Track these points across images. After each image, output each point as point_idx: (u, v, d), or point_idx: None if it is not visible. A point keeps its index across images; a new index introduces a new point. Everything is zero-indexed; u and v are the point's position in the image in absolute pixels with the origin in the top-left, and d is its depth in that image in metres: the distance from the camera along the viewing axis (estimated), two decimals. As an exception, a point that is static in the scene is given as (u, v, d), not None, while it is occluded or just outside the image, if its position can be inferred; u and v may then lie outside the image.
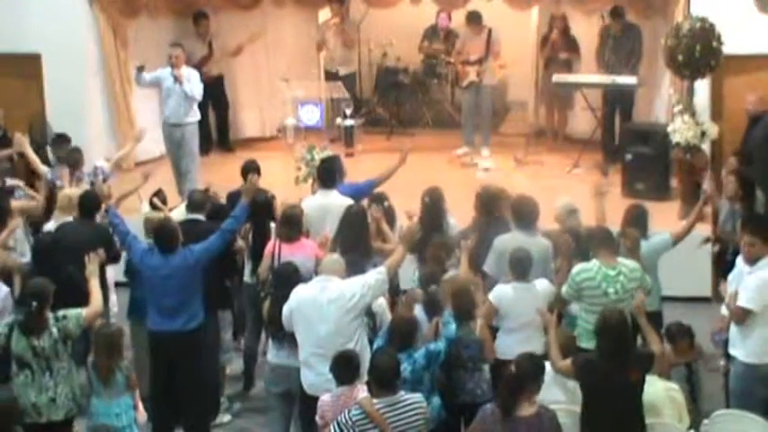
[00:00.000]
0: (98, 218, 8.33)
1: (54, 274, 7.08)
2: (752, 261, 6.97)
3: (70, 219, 8.36)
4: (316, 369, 6.65)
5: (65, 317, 6.59)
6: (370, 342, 6.79)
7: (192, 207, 8.23)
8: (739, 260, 7.25)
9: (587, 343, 6.83)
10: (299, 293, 6.79)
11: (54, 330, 6.53)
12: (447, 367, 6.62)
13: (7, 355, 6.55)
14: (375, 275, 6.75)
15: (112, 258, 8.10)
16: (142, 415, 6.97)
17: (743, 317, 6.83)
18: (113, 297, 8.90)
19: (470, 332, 6.73)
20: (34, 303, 6.50)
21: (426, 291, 6.93)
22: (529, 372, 5.79)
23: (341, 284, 6.73)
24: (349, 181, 8.90)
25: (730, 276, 7.37)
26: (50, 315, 6.57)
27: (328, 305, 6.64)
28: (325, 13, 14.05)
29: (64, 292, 6.87)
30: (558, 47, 12.71)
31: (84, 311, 6.68)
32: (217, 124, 13.41)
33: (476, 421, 5.90)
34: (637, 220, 7.90)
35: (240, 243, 8.22)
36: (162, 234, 7.38)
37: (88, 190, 8.68)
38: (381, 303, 7.06)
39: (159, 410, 7.36)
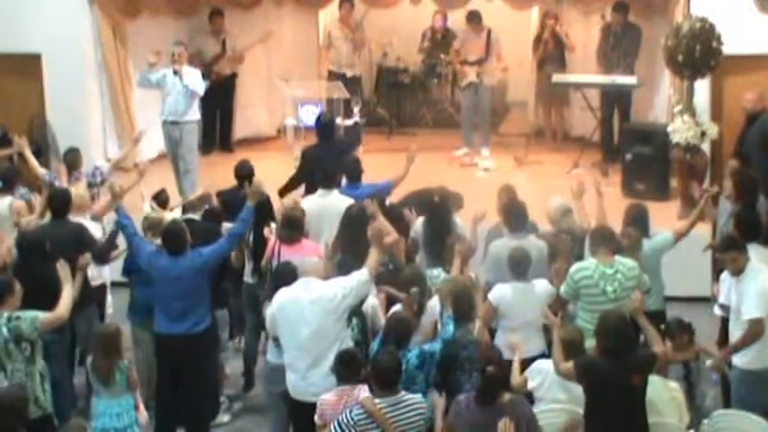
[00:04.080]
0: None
1: (36, 272, 7.07)
2: (738, 272, 6.98)
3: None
4: (299, 372, 6.65)
5: (18, 317, 6.48)
6: (364, 343, 6.78)
7: (185, 208, 8.31)
8: None
9: (586, 342, 6.83)
10: (282, 295, 6.77)
11: (4, 330, 6.44)
12: (445, 368, 6.61)
13: None
14: (357, 277, 6.74)
15: (97, 257, 8.04)
16: (143, 415, 6.94)
17: (760, 326, 6.77)
18: (108, 297, 8.90)
19: (468, 333, 6.72)
20: None
21: (409, 293, 6.91)
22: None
23: (322, 286, 6.72)
24: (367, 182, 8.94)
25: (722, 276, 7.39)
26: (5, 314, 6.47)
27: (310, 306, 6.63)
28: (325, 14, 14.05)
29: (39, 293, 6.81)
30: (550, 46, 12.75)
31: (41, 315, 6.55)
32: (220, 124, 13.45)
33: (453, 415, 5.93)
34: (637, 220, 7.90)
35: None
36: (171, 236, 7.33)
37: (56, 189, 8.64)
38: (373, 305, 7.04)
39: (163, 412, 7.36)
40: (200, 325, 7.32)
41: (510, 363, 6.54)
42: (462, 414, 5.88)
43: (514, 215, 7.87)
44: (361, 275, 6.74)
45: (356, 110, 12.71)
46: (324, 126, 10.05)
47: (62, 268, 6.89)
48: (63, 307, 6.70)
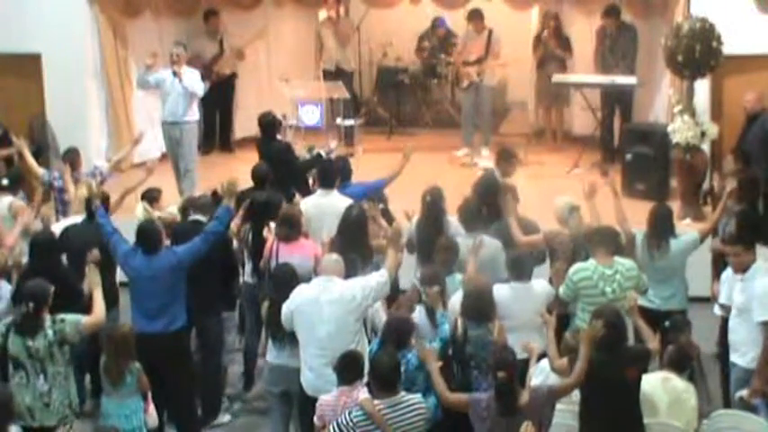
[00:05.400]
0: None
1: (49, 273, 7.03)
2: (740, 270, 7.02)
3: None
4: (317, 371, 6.65)
5: (62, 320, 6.52)
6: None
7: (195, 208, 8.27)
8: None
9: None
10: (301, 294, 6.78)
11: (50, 333, 6.47)
12: (462, 367, 6.59)
13: (4, 355, 6.52)
14: (377, 278, 6.74)
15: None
16: (153, 418, 6.93)
17: None
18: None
19: (488, 333, 6.68)
20: (31, 304, 6.46)
21: (427, 291, 6.92)
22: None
23: (342, 285, 6.73)
24: (358, 181, 8.92)
25: (723, 276, 7.40)
26: (48, 317, 6.51)
27: (329, 306, 6.63)
28: (325, 13, 14.05)
29: (56, 292, 6.77)
30: (550, 46, 12.75)
31: (83, 319, 6.60)
32: (220, 124, 13.45)
33: (471, 413, 5.89)
34: (662, 220, 7.85)
35: (235, 244, 8.21)
36: (144, 235, 7.35)
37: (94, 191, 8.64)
38: (375, 306, 7.03)
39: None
40: (174, 323, 7.34)
41: (523, 361, 6.51)
42: (482, 414, 5.85)
43: (469, 214, 7.91)
44: (381, 277, 6.74)
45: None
46: (265, 125, 10.03)
47: (92, 272, 6.92)
48: (100, 310, 6.72)
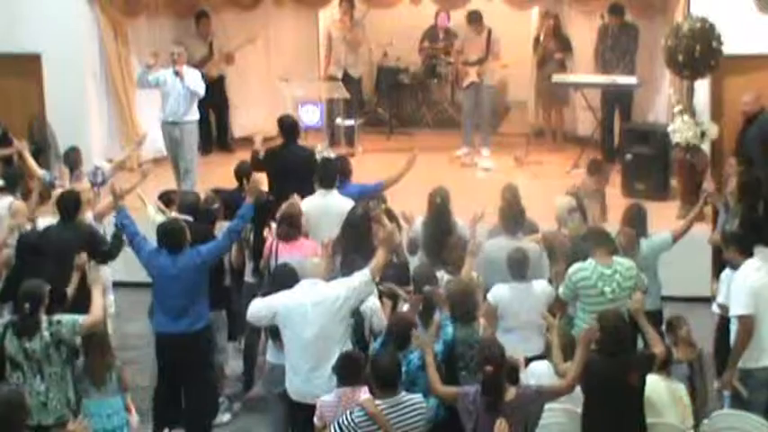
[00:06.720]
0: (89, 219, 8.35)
1: (35, 274, 7.01)
2: (730, 265, 7.10)
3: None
4: (302, 374, 6.65)
5: (59, 322, 6.52)
6: (357, 344, 6.78)
7: (182, 208, 8.26)
8: None
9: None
10: (285, 298, 6.75)
11: (46, 334, 6.47)
12: (451, 368, 6.59)
13: (2, 355, 6.52)
14: (359, 278, 6.71)
15: (101, 258, 8.04)
16: (134, 417, 6.94)
17: (749, 323, 6.78)
18: (110, 297, 8.89)
19: (474, 333, 6.69)
20: (27, 305, 6.47)
21: (420, 291, 6.91)
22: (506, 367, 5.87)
23: (325, 287, 6.72)
24: (357, 182, 8.91)
25: (722, 275, 7.40)
26: (44, 318, 6.52)
27: (314, 308, 6.62)
28: (325, 14, 14.03)
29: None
30: (549, 46, 12.75)
31: (80, 319, 6.60)
32: (217, 124, 13.43)
33: (459, 406, 5.89)
34: (635, 220, 7.89)
35: None
36: (170, 234, 7.36)
37: (66, 190, 8.56)
38: (372, 306, 7.02)
39: (163, 411, 7.35)
40: (198, 323, 7.36)
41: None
42: (468, 408, 5.85)
43: (511, 217, 7.90)
44: (363, 276, 6.72)
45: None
46: (287, 128, 9.71)
47: (93, 272, 6.98)
48: (98, 310, 6.74)
